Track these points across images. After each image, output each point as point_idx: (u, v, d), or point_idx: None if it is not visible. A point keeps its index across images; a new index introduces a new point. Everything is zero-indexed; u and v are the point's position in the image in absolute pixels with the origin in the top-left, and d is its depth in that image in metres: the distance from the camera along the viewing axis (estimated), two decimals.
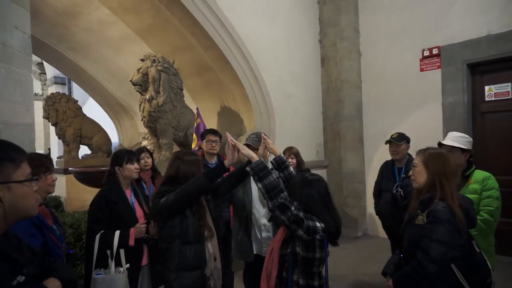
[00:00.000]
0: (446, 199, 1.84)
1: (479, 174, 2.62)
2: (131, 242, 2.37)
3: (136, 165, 2.61)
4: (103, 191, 2.51)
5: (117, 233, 2.36)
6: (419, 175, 1.98)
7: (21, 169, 1.09)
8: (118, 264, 2.32)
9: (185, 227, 2.09)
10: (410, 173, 2.07)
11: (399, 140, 3.44)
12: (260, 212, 2.58)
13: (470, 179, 2.62)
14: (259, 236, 2.57)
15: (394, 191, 3.37)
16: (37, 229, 1.77)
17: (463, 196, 2.15)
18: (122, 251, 2.35)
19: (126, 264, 2.34)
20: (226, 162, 2.16)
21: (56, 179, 2.08)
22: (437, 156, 1.97)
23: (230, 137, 2.20)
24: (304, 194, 1.94)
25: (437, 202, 1.85)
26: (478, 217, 2.44)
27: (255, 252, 2.59)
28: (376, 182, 3.82)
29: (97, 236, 2.35)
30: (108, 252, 2.31)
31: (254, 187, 2.59)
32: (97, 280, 2.24)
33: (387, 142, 3.55)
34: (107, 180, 2.61)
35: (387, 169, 3.64)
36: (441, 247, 1.73)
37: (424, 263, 1.75)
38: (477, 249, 1.98)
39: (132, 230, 2.40)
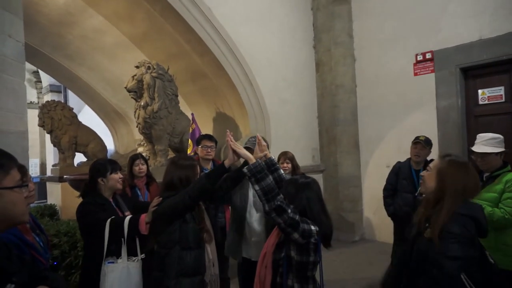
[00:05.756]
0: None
1: (508, 176, 2.47)
2: (142, 227, 2.13)
3: (119, 174, 2.44)
4: (85, 203, 2.31)
5: (127, 219, 2.19)
6: (429, 180, 1.83)
7: (10, 176, 1.09)
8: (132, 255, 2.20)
9: (185, 232, 2.05)
10: (422, 173, 1.94)
11: (426, 143, 3.46)
12: (253, 216, 2.57)
13: (497, 179, 2.51)
14: (249, 240, 2.56)
15: (417, 194, 3.31)
16: (17, 249, 1.68)
17: (471, 205, 1.86)
18: (137, 240, 2.23)
19: (141, 254, 2.22)
20: (226, 162, 2.14)
21: (33, 189, 1.90)
22: (456, 168, 1.77)
23: (229, 136, 2.16)
24: (304, 196, 1.93)
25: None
26: (498, 211, 2.38)
27: (244, 255, 2.57)
28: (389, 183, 3.77)
29: (107, 222, 2.18)
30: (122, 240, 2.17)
31: (251, 191, 2.58)
32: (108, 268, 2.11)
33: (415, 142, 3.53)
34: (84, 193, 2.39)
35: (404, 170, 3.61)
36: (455, 262, 1.61)
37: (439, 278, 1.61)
38: (491, 260, 1.80)
39: (143, 216, 2.18)
